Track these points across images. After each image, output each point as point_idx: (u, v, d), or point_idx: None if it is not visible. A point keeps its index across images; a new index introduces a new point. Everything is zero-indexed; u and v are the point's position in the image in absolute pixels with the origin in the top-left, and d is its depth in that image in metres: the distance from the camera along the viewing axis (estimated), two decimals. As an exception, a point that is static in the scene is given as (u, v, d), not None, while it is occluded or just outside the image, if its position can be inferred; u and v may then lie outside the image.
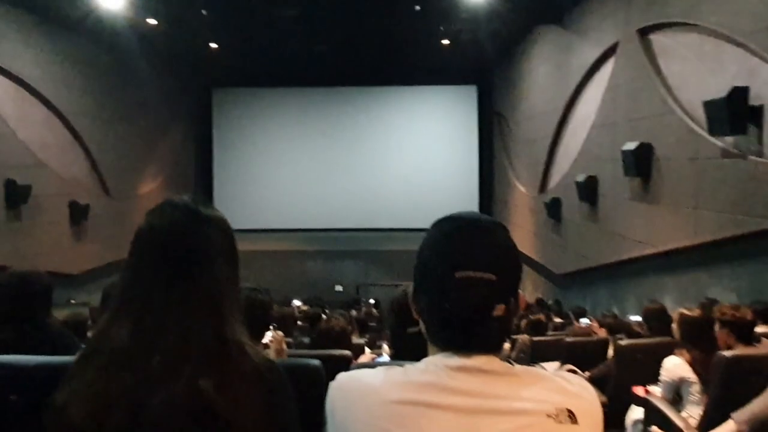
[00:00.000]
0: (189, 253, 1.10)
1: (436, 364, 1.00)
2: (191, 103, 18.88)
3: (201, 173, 19.63)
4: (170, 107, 17.10)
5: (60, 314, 5.15)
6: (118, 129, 13.97)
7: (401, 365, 1.03)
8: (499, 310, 0.99)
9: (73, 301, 10.08)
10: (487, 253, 1.01)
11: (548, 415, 0.95)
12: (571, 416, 0.96)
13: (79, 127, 12.15)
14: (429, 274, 1.03)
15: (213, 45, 15.61)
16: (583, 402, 0.99)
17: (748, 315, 3.56)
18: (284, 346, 2.87)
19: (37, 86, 10.79)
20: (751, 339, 3.59)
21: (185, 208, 1.14)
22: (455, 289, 0.99)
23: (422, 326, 1.07)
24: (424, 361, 1.03)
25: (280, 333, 2.91)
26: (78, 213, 11.79)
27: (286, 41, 14.97)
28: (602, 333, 6.30)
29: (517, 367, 1.02)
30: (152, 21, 12.53)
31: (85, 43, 12.31)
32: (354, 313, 10.91)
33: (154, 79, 15.42)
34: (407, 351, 1.18)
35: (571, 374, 1.05)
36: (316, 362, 1.86)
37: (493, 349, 1.01)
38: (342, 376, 1.07)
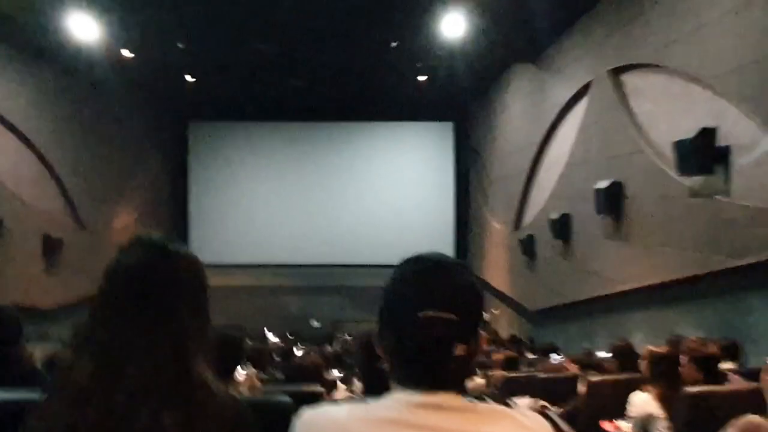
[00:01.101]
0: (156, 290, 1.10)
1: (399, 401, 1.02)
2: (167, 136, 18.75)
3: (177, 207, 19.43)
4: (146, 140, 16.95)
5: (33, 349, 5.05)
6: (93, 161, 13.80)
7: (365, 401, 1.06)
8: (460, 349, 1.01)
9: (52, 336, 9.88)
10: (449, 293, 1.03)
11: None
12: None
13: (53, 159, 11.97)
14: (393, 313, 1.07)
15: (189, 78, 15.50)
16: None
17: (713, 350, 3.61)
18: (257, 383, 2.87)
19: (9, 117, 10.63)
20: (716, 374, 3.63)
21: (154, 246, 1.15)
22: (417, 328, 1.01)
23: (386, 363, 1.09)
24: (387, 397, 1.05)
25: (254, 370, 2.90)
26: (51, 246, 11.59)
27: (262, 76, 14.99)
28: (574, 369, 6.31)
29: (478, 404, 1.04)
30: (127, 53, 12.46)
31: (59, 74, 12.19)
32: (329, 348, 10.82)
33: (130, 111, 15.29)
34: (377, 386, 1.19)
35: (529, 411, 1.09)
36: (286, 399, 1.86)
37: (455, 386, 1.03)
38: (306, 412, 1.09)
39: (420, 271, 1.07)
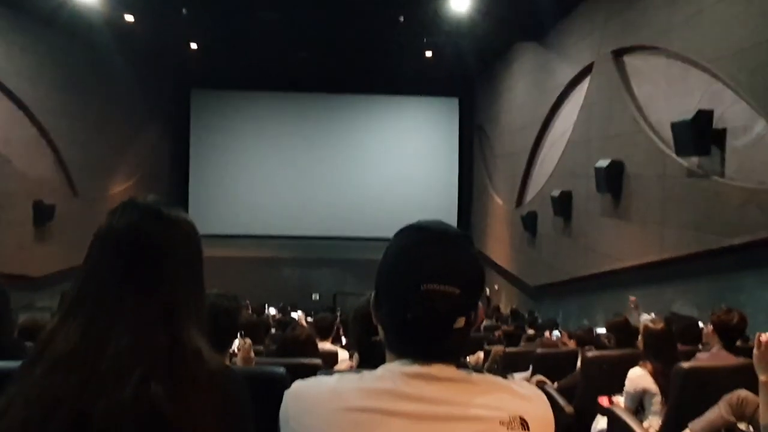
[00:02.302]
0: (146, 254, 1.05)
1: (393, 371, 1.01)
2: (168, 103, 18.29)
3: (176, 175, 19.03)
4: (146, 106, 16.49)
5: (21, 319, 4.87)
6: (90, 127, 13.33)
7: (359, 372, 1.05)
8: (459, 322, 1.00)
9: (39, 305, 9.75)
10: (452, 266, 1.01)
11: (501, 422, 0.97)
12: (524, 423, 0.98)
13: (47, 124, 11.55)
14: (392, 283, 1.03)
15: (193, 45, 15.19)
16: (535, 410, 1.01)
17: (735, 319, 3.70)
18: (252, 354, 2.81)
19: (3, 79, 10.27)
20: (734, 345, 3.71)
21: (146, 209, 1.09)
22: (419, 301, 0.98)
23: (381, 333, 1.08)
24: (381, 368, 1.03)
25: (248, 340, 2.88)
26: (43, 213, 11.21)
27: (267, 45, 14.77)
28: (572, 344, 6.46)
29: (473, 375, 1.03)
30: (129, 17, 12.18)
31: (58, 38, 11.77)
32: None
33: (130, 76, 14.76)
34: (372, 359, 1.21)
35: (525, 383, 1.07)
36: (280, 370, 1.88)
37: (451, 358, 1.02)
38: (297, 384, 1.06)
39: (422, 241, 1.03)
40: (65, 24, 11.29)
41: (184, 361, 1.00)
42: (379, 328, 1.08)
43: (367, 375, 1.02)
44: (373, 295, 1.08)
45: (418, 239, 1.04)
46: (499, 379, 1.05)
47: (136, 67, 15.08)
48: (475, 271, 1.03)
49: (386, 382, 0.99)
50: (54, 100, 11.87)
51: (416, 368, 1.00)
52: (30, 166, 11.10)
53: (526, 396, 1.03)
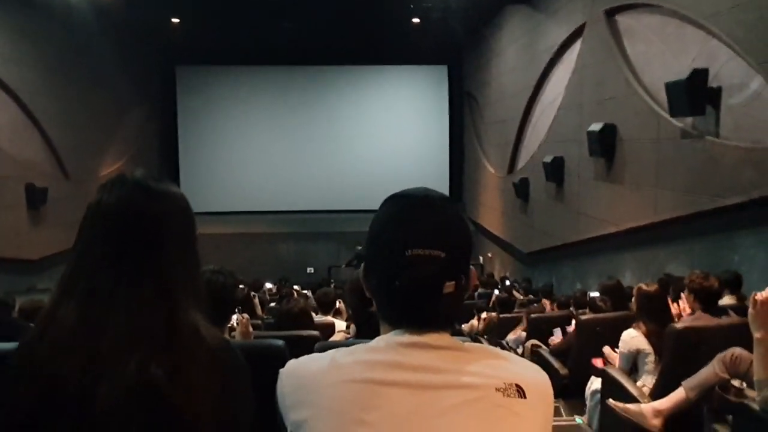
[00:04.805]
0: (138, 230, 1.04)
1: (387, 342, 1.01)
2: (154, 81, 18.17)
3: (166, 154, 18.98)
4: (132, 85, 16.35)
5: (20, 301, 4.98)
6: (76, 108, 13.23)
7: (353, 346, 1.04)
8: (449, 287, 0.99)
9: (40, 287, 9.80)
10: (436, 230, 1.00)
11: (497, 389, 0.96)
12: (520, 390, 0.97)
13: (34, 106, 11.49)
14: (379, 252, 1.03)
15: (175, 20, 14.96)
16: (531, 377, 1.01)
17: (715, 284, 3.73)
18: (250, 329, 2.84)
19: None
20: (715, 307, 3.74)
21: (136, 184, 1.08)
22: (404, 267, 0.98)
23: (374, 304, 1.07)
24: (375, 339, 1.03)
25: (246, 315, 2.90)
26: (35, 196, 11.28)
27: (251, 17, 14.53)
28: (556, 312, 6.53)
29: (468, 343, 1.04)
30: None
31: (36, 17, 11.54)
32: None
33: (113, 55, 14.51)
34: (368, 329, 1.18)
35: (519, 357, 1.07)
36: (279, 342, 1.88)
37: (444, 325, 1.02)
38: (291, 362, 1.07)
39: (404, 207, 1.03)
40: (45, 2, 11.12)
41: (183, 340, 1.00)
42: (372, 299, 1.07)
43: (362, 347, 1.02)
44: (362, 266, 1.08)
45: (401, 206, 1.04)
46: (494, 349, 1.06)
47: (119, 45, 14.91)
48: (460, 235, 1.03)
49: (381, 353, 0.99)
50: (39, 82, 11.76)
51: (410, 337, 1.00)
52: (19, 150, 11.08)
53: (521, 364, 1.03)
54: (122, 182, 1.08)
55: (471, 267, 1.05)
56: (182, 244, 1.09)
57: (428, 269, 0.98)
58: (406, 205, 1.04)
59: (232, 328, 2.85)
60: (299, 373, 1.03)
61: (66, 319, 0.99)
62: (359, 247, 15.03)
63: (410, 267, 0.98)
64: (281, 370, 1.06)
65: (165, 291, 1.03)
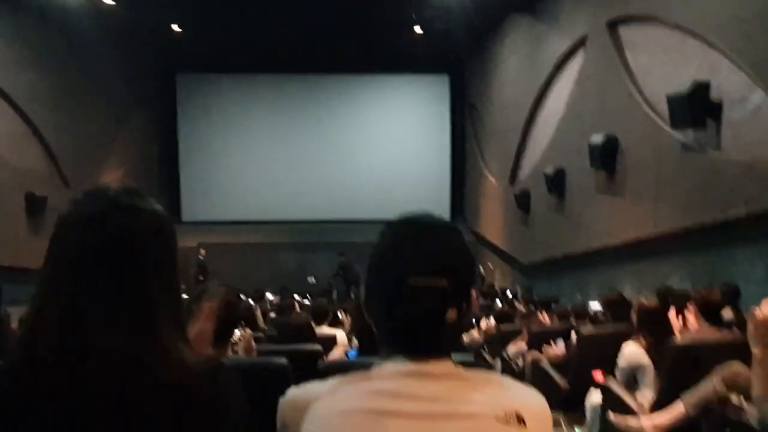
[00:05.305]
0: (112, 249, 0.98)
1: (388, 371, 1.00)
2: (154, 88, 18.08)
3: (166, 162, 18.83)
4: (132, 92, 16.25)
5: (18, 311, 5.03)
6: (76, 116, 13.10)
7: (369, 363, 1.04)
8: (451, 314, 0.99)
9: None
10: (440, 258, 1.00)
11: (497, 418, 0.96)
12: (520, 419, 0.97)
13: (33, 114, 11.40)
14: (381, 279, 1.02)
15: (175, 27, 14.89)
16: (531, 405, 1.01)
17: (717, 297, 3.75)
18: (253, 344, 2.87)
19: None
20: (717, 318, 3.75)
21: (111, 198, 1.01)
22: (407, 296, 0.98)
23: (375, 330, 1.06)
24: (376, 368, 1.03)
25: (249, 331, 2.93)
26: (35, 205, 11.19)
27: (253, 26, 14.53)
28: (556, 324, 6.52)
29: (469, 371, 1.03)
30: (108, 0, 11.94)
31: (35, 23, 11.48)
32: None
33: (114, 62, 14.40)
34: (372, 346, 1.18)
35: (518, 382, 1.07)
36: (282, 360, 1.89)
37: (445, 353, 1.02)
38: (292, 391, 1.05)
39: (408, 234, 1.02)
40: (43, 8, 11.11)
41: (168, 373, 0.96)
42: (372, 324, 1.06)
43: (362, 375, 1.02)
44: (363, 291, 1.08)
45: (403, 233, 1.04)
46: (494, 375, 1.05)
47: (120, 52, 14.83)
48: (463, 262, 1.03)
49: (382, 382, 0.99)
50: (38, 89, 11.71)
51: (411, 366, 0.99)
52: (19, 158, 11.04)
53: (521, 391, 1.03)
54: (96, 196, 1.02)
55: (472, 292, 1.05)
56: (161, 265, 1.01)
57: (431, 298, 0.98)
58: (408, 232, 1.03)
59: (235, 344, 2.87)
60: (300, 402, 1.02)
61: (45, 348, 0.94)
62: (342, 257, 15.11)
63: (413, 295, 0.98)
64: (282, 399, 1.05)
65: (146, 317, 0.97)
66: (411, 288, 0.97)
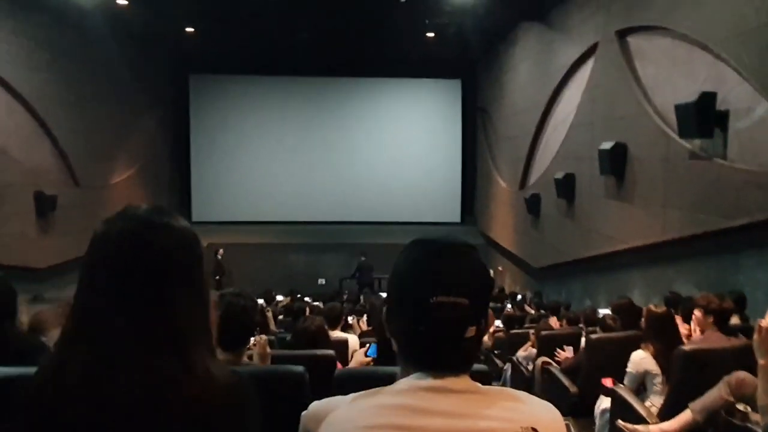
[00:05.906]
0: (143, 265, 1.01)
1: (408, 386, 1.03)
2: (167, 89, 18.00)
3: (177, 163, 18.81)
4: (144, 93, 16.16)
5: (25, 310, 5.01)
6: (87, 115, 12.97)
7: (386, 372, 1.11)
8: (470, 331, 1.03)
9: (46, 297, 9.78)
10: (460, 277, 1.03)
11: None
12: None
13: (44, 113, 11.26)
14: (402, 298, 1.06)
15: (189, 29, 14.87)
16: (547, 420, 1.04)
17: (728, 304, 3.82)
18: (268, 350, 2.86)
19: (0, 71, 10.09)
20: (727, 325, 3.83)
21: (140, 217, 1.05)
22: (429, 314, 1.01)
23: (395, 345, 1.10)
24: (395, 383, 1.06)
25: (264, 337, 2.89)
26: (44, 204, 11.01)
27: (267, 27, 14.51)
28: (567, 330, 6.58)
29: (486, 386, 1.06)
30: (123, 1, 11.92)
31: (48, 24, 11.39)
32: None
33: (126, 62, 14.44)
34: (390, 352, 1.27)
35: (534, 397, 1.10)
36: (299, 368, 1.90)
37: (464, 369, 1.05)
38: (314, 405, 1.08)
39: (429, 254, 1.06)
40: (57, 9, 11.07)
41: (197, 389, 0.99)
42: (392, 340, 1.10)
43: (382, 392, 1.05)
44: (384, 309, 1.11)
45: (426, 252, 1.07)
46: (511, 390, 1.08)
47: (133, 53, 14.81)
48: (482, 281, 1.06)
49: (402, 398, 1.01)
50: (50, 89, 11.59)
51: (431, 381, 1.02)
52: (29, 156, 10.88)
53: (537, 406, 1.06)
54: (126, 215, 1.05)
55: (489, 310, 1.10)
56: (190, 280, 1.05)
57: (452, 316, 1.01)
58: (431, 252, 1.07)
59: (249, 349, 2.85)
60: (321, 417, 1.04)
61: (75, 363, 0.97)
62: (363, 258, 15.11)
63: (435, 313, 1.01)
64: (303, 413, 1.08)
65: (175, 334, 1.01)
66: (434, 306, 1.01)
